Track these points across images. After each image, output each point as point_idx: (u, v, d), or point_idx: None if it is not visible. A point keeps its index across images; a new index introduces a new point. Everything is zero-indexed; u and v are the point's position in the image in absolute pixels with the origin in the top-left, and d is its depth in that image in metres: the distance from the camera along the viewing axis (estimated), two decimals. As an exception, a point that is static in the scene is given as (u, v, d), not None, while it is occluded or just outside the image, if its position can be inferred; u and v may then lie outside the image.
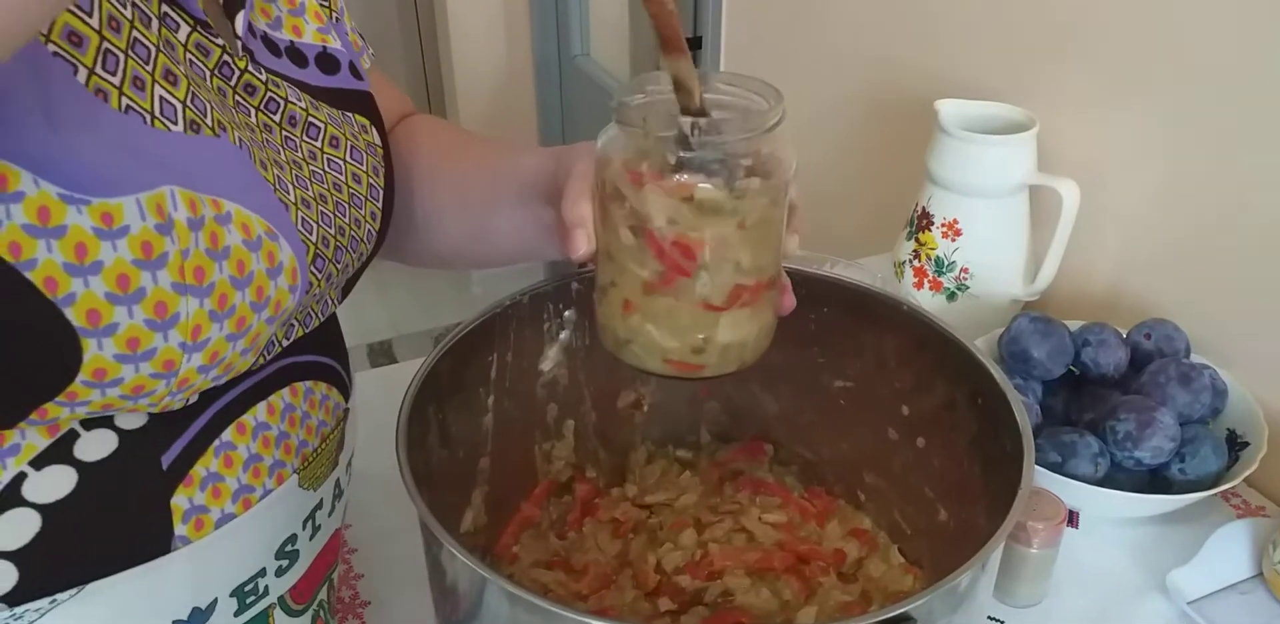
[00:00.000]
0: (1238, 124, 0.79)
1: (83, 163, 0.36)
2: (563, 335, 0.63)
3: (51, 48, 0.36)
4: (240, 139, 0.44)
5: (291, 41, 0.52)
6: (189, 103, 0.42)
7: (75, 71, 0.37)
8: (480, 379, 0.59)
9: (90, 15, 0.38)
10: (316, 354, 0.52)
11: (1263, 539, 0.71)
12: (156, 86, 0.40)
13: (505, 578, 0.41)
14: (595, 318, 0.51)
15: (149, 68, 0.40)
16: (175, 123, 0.41)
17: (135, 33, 0.40)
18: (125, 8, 0.40)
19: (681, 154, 0.44)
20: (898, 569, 0.62)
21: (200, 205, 0.40)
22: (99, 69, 0.38)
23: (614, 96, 0.46)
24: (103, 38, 0.38)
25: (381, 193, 0.54)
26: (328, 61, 0.53)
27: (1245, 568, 0.71)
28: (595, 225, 0.48)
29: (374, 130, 0.55)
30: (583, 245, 0.48)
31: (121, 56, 0.39)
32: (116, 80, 0.38)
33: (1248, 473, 0.72)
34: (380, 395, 0.59)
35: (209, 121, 0.42)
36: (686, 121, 0.44)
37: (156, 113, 0.40)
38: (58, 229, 0.36)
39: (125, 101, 0.39)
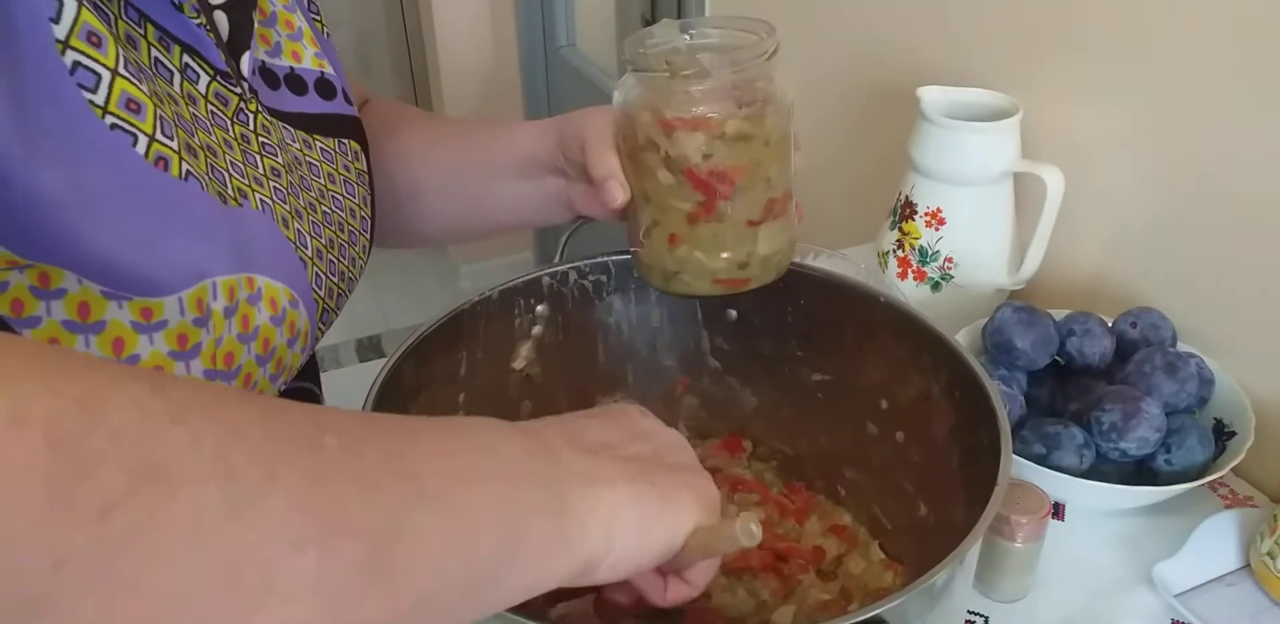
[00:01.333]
0: (1224, 110, 0.78)
1: (126, 260, 0.35)
2: (535, 330, 0.61)
3: (109, 120, 0.35)
4: (261, 201, 0.43)
5: (291, 68, 0.51)
6: (210, 174, 0.40)
7: (135, 142, 0.36)
8: (449, 377, 0.57)
9: (139, 82, 0.37)
10: (299, 380, 0.52)
11: (1250, 530, 0.70)
12: (183, 163, 0.39)
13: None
14: (639, 260, 0.55)
15: (173, 144, 0.39)
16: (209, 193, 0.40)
17: (160, 110, 0.39)
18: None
19: (703, 88, 0.48)
20: (878, 566, 0.61)
21: (237, 289, 0.39)
22: (159, 135, 0.37)
23: (628, 48, 0.50)
24: (156, 105, 0.37)
25: (370, 223, 0.53)
26: (326, 87, 0.53)
27: (1232, 560, 0.70)
28: (626, 174, 0.52)
29: (364, 157, 0.54)
30: (619, 194, 0.52)
31: (173, 123, 0.38)
32: (175, 145, 0.38)
33: (1235, 463, 0.71)
34: (363, 392, 0.57)
35: (230, 191, 0.41)
36: (705, 56, 0.48)
37: (205, 180, 0.39)
38: (97, 324, 0.35)
39: (185, 167, 0.38)
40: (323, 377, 0.98)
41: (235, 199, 0.41)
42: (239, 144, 0.44)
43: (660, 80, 0.49)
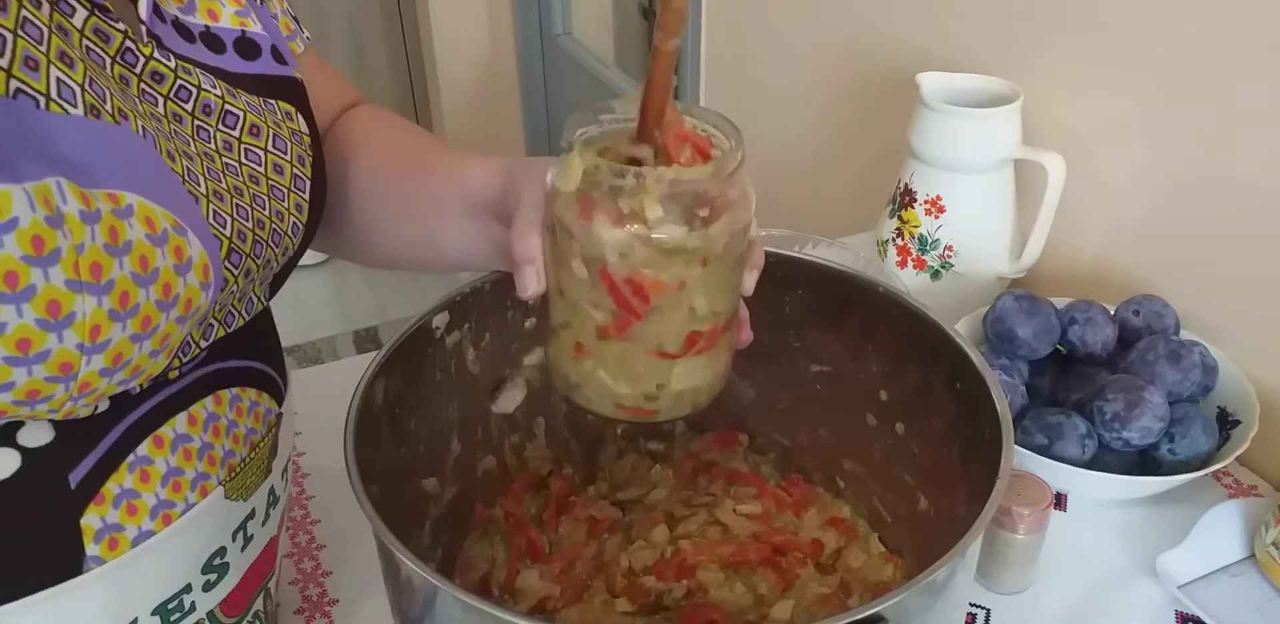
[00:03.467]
0: (1228, 96, 0.77)
1: None
2: (528, 324, 0.60)
3: None
4: (144, 128, 0.41)
5: (207, 26, 0.49)
6: (87, 86, 0.39)
7: None
8: (441, 372, 0.56)
9: None
10: (244, 359, 0.50)
11: (1255, 520, 0.69)
12: (52, 68, 0.38)
13: (455, 585, 0.39)
14: (546, 356, 0.49)
15: (42, 48, 0.37)
16: (75, 105, 0.38)
17: (24, 12, 0.37)
18: None
19: (641, 183, 0.41)
20: (878, 559, 0.60)
21: (93, 199, 0.37)
22: None
23: (564, 132, 0.44)
24: None
25: (309, 183, 0.51)
26: (247, 46, 0.50)
27: (1237, 550, 0.69)
28: (545, 261, 0.46)
29: (300, 117, 0.52)
30: (532, 284, 0.46)
31: (10, 36, 0.36)
32: (4, 61, 0.36)
33: (1239, 452, 0.70)
34: (351, 383, 0.56)
35: (109, 108, 0.39)
36: (649, 171, 0.41)
37: (53, 95, 0.37)
38: None
39: (15, 84, 0.36)
40: (317, 368, 0.96)
41: (113, 116, 0.40)
42: (115, 83, 0.42)
43: (593, 166, 0.42)
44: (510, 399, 0.61)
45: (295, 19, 0.59)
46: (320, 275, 2.46)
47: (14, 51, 0.36)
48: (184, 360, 0.45)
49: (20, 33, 0.37)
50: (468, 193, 0.54)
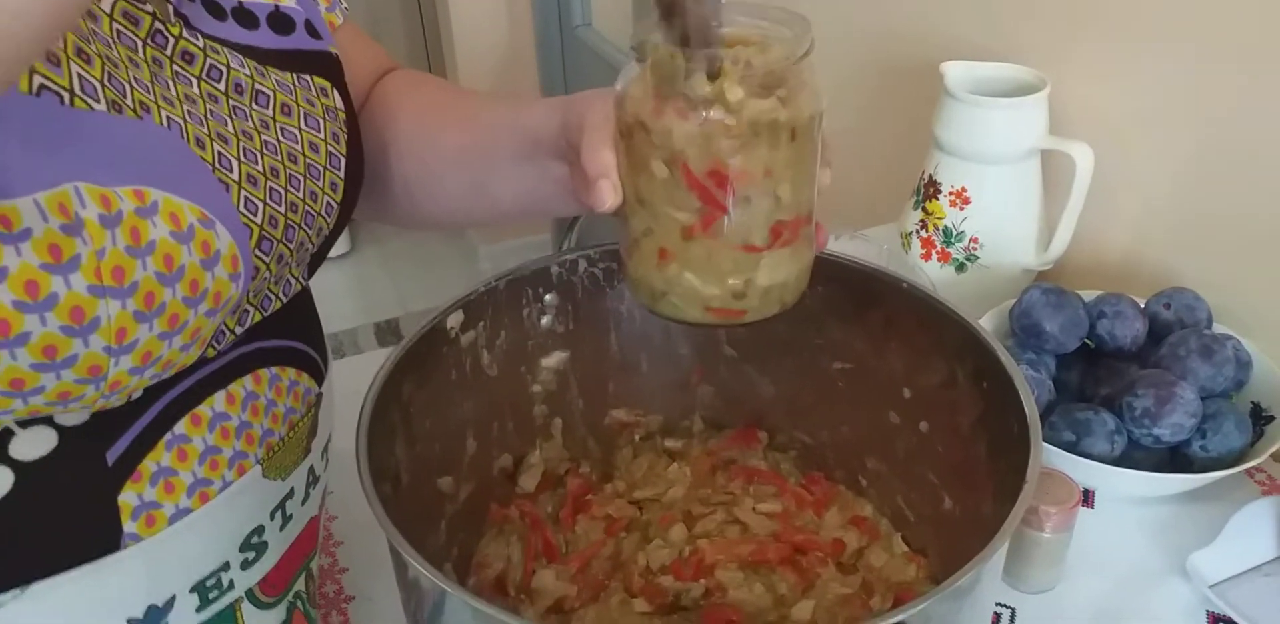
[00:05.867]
0: (1260, 85, 0.75)
1: None
2: (544, 320, 0.60)
3: None
4: (169, 118, 0.41)
5: (240, 1, 0.48)
6: (106, 82, 0.38)
7: None
8: (456, 371, 0.56)
9: None
10: (283, 338, 0.49)
11: (1289, 518, 0.68)
12: (72, 64, 0.37)
13: (467, 589, 0.38)
14: (626, 272, 0.49)
15: (59, 43, 0.37)
16: (98, 101, 0.37)
17: None
18: None
19: (717, 65, 0.41)
20: (900, 558, 0.59)
21: (115, 200, 0.36)
22: None
23: (635, 34, 0.44)
24: None
25: (344, 161, 0.50)
26: (280, 21, 0.50)
27: (1271, 549, 0.67)
28: (621, 173, 0.46)
29: (335, 93, 0.51)
30: (609, 196, 0.45)
31: None
32: None
33: (1274, 449, 0.68)
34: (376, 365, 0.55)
35: (129, 103, 0.39)
36: (726, 53, 0.41)
37: (76, 90, 0.37)
38: None
39: (39, 80, 0.35)
40: (338, 362, 0.97)
41: (134, 111, 0.39)
42: (148, 66, 0.42)
43: (666, 56, 0.42)
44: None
45: None
46: (341, 267, 2.47)
47: None
48: (219, 348, 0.45)
49: None
50: (524, 135, 0.53)
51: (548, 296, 0.59)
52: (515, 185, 0.55)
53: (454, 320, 0.54)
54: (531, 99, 0.56)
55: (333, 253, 0.55)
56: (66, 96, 0.36)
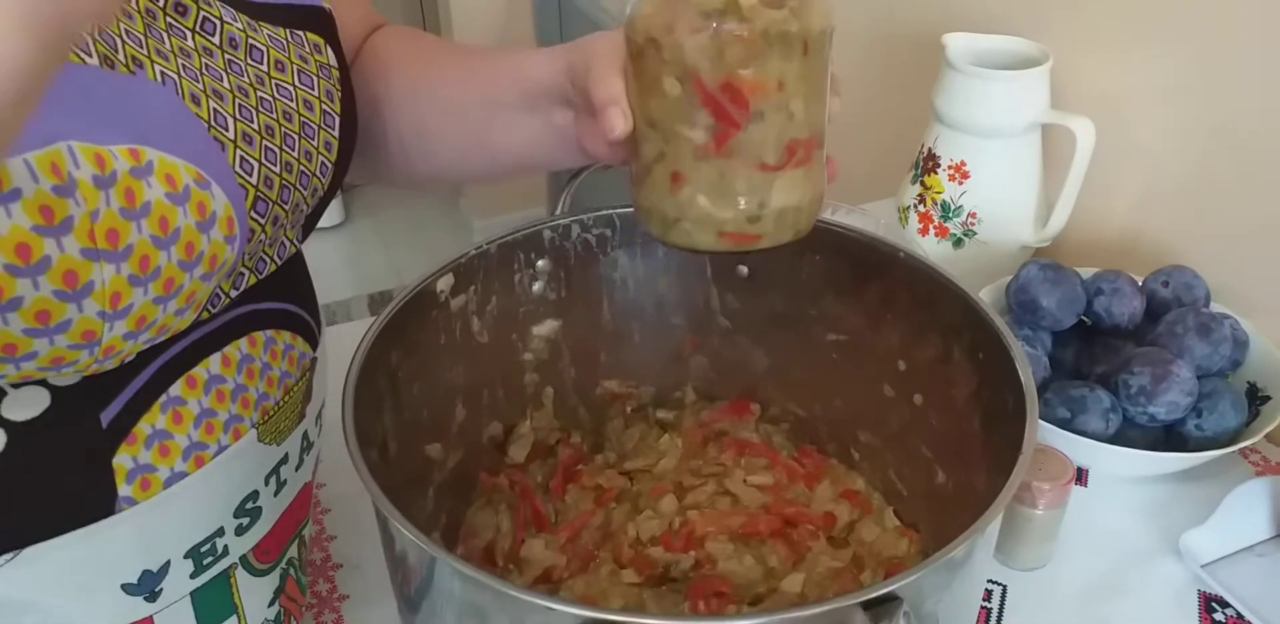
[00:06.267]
0: (1263, 60, 0.74)
1: None
2: (535, 286, 0.59)
3: None
4: (163, 73, 0.39)
5: None
6: (98, 36, 0.37)
7: None
8: (446, 335, 0.55)
9: None
10: (278, 301, 0.48)
11: (1282, 498, 0.67)
12: None
13: (455, 556, 0.38)
14: (637, 203, 0.48)
15: None
16: (90, 56, 0.36)
17: None
18: None
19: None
20: (892, 533, 0.58)
21: (111, 159, 0.35)
22: None
23: None
24: None
25: (338, 120, 0.49)
26: None
27: (1264, 529, 0.67)
28: (631, 99, 0.45)
29: (328, 49, 0.50)
30: (619, 122, 0.45)
31: None
32: None
33: (1269, 429, 0.68)
34: (363, 328, 0.54)
35: (121, 58, 0.38)
36: None
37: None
38: None
39: None
40: (332, 329, 0.96)
41: (126, 66, 0.38)
42: (141, 17, 0.41)
43: None
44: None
45: None
46: (335, 238, 2.45)
47: None
48: (213, 311, 0.44)
49: None
50: (526, 84, 0.52)
51: (540, 262, 0.58)
52: (516, 137, 0.54)
53: (444, 284, 0.53)
54: (528, 49, 0.55)
55: (326, 224, 0.54)
56: None
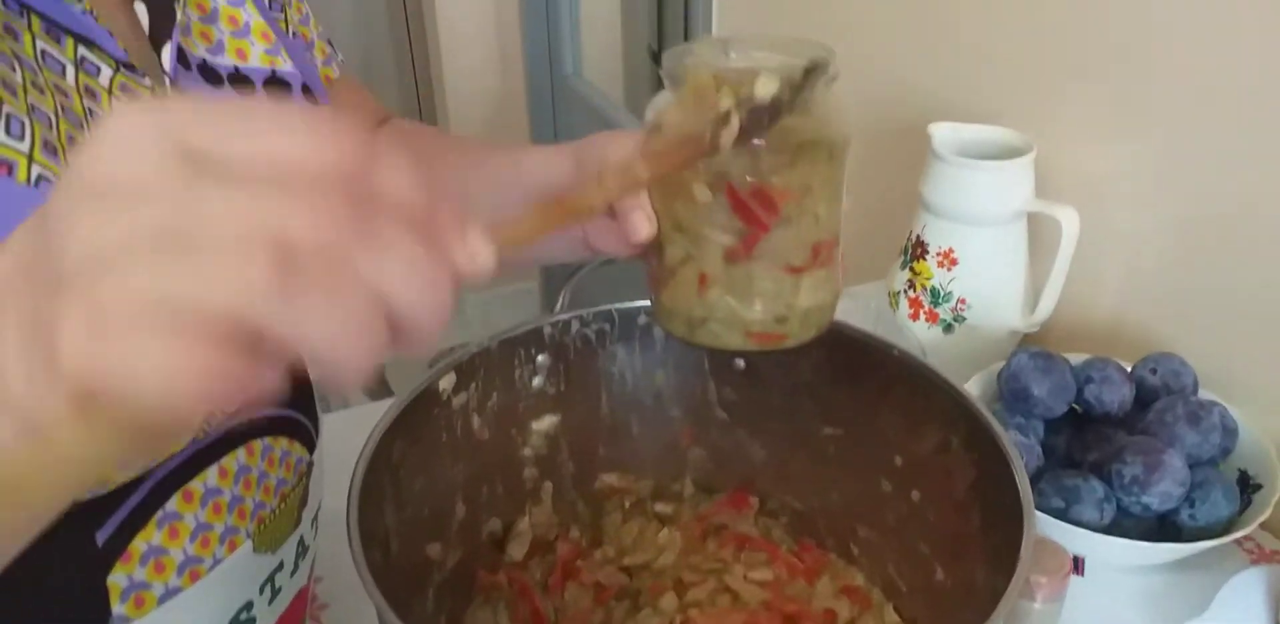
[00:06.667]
0: (1247, 150, 0.76)
1: None
2: (535, 381, 0.59)
3: None
4: None
5: (236, 67, 0.48)
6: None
7: None
8: (447, 433, 0.55)
9: None
10: (276, 407, 0.49)
11: (1278, 587, 0.68)
12: (68, 154, 0.37)
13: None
14: (659, 303, 0.49)
15: (53, 132, 0.37)
16: None
17: (31, 98, 0.36)
18: (15, 69, 0.36)
19: (757, 89, 0.41)
20: (892, 630, 0.58)
21: None
22: (2, 136, 0.34)
23: (666, 62, 0.44)
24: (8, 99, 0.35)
25: None
26: (277, 86, 0.50)
27: (1261, 618, 0.67)
28: (653, 202, 0.46)
29: None
30: (643, 226, 0.46)
31: (26, 120, 0.35)
32: (24, 146, 0.35)
33: (1262, 519, 0.68)
34: (361, 434, 0.54)
35: None
36: (763, 72, 0.41)
37: None
38: None
39: (37, 170, 0.35)
40: (327, 418, 0.96)
41: None
42: None
43: (703, 85, 0.42)
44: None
45: (329, 42, 0.59)
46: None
47: (33, 134, 0.35)
48: (209, 428, 0.44)
49: (33, 116, 0.36)
50: (532, 180, 0.53)
51: (540, 357, 0.59)
52: None
53: (446, 383, 0.54)
54: (530, 146, 0.56)
55: None
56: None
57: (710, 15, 1.41)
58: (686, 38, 1.58)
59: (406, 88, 2.57)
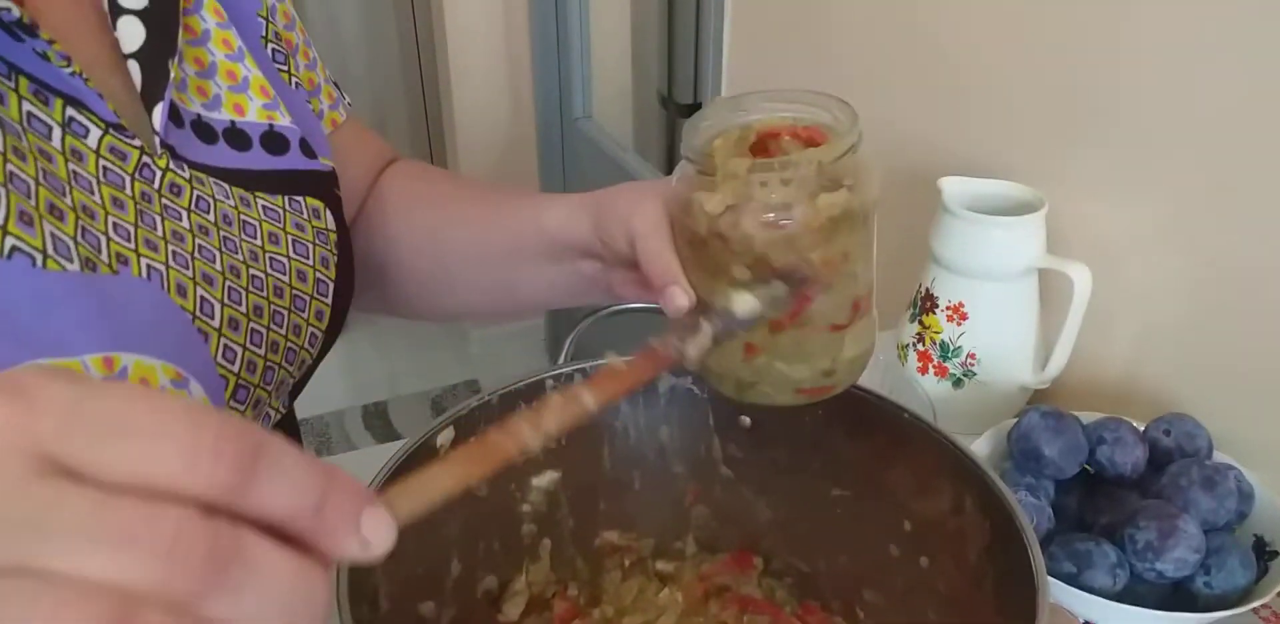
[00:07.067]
0: (1260, 205, 0.75)
1: None
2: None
3: None
4: (149, 267, 0.40)
5: (233, 121, 0.48)
6: (79, 238, 0.37)
7: None
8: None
9: None
10: None
11: (1297, 660, 0.66)
12: (45, 222, 0.36)
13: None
14: (706, 366, 0.48)
15: (32, 202, 0.36)
16: (70, 261, 0.36)
17: (10, 166, 0.36)
18: None
19: (786, 176, 0.42)
20: (898, 699, 0.56)
21: (82, 371, 0.35)
22: None
23: (685, 138, 0.44)
24: None
25: (331, 286, 0.50)
26: (274, 141, 0.50)
27: (1279, 693, 0.65)
28: (690, 276, 0.46)
29: (327, 214, 0.51)
30: (684, 301, 0.46)
31: (2, 190, 0.35)
32: None
33: (1279, 588, 0.66)
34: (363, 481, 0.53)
35: (105, 257, 0.38)
36: (798, 157, 0.41)
37: (49, 251, 0.36)
38: None
39: (10, 242, 0.34)
40: (327, 459, 0.95)
41: (110, 265, 0.38)
42: (134, 203, 0.41)
43: (740, 171, 0.42)
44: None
45: (337, 85, 0.59)
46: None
47: (8, 205, 0.35)
48: None
49: (10, 186, 0.35)
50: (548, 237, 0.53)
51: (542, 412, 0.58)
52: (541, 282, 0.55)
53: (444, 438, 0.53)
54: (546, 197, 0.55)
55: None
56: (39, 258, 0.35)
57: (721, 61, 1.42)
58: (696, 82, 1.59)
59: (418, 128, 2.59)
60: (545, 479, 0.59)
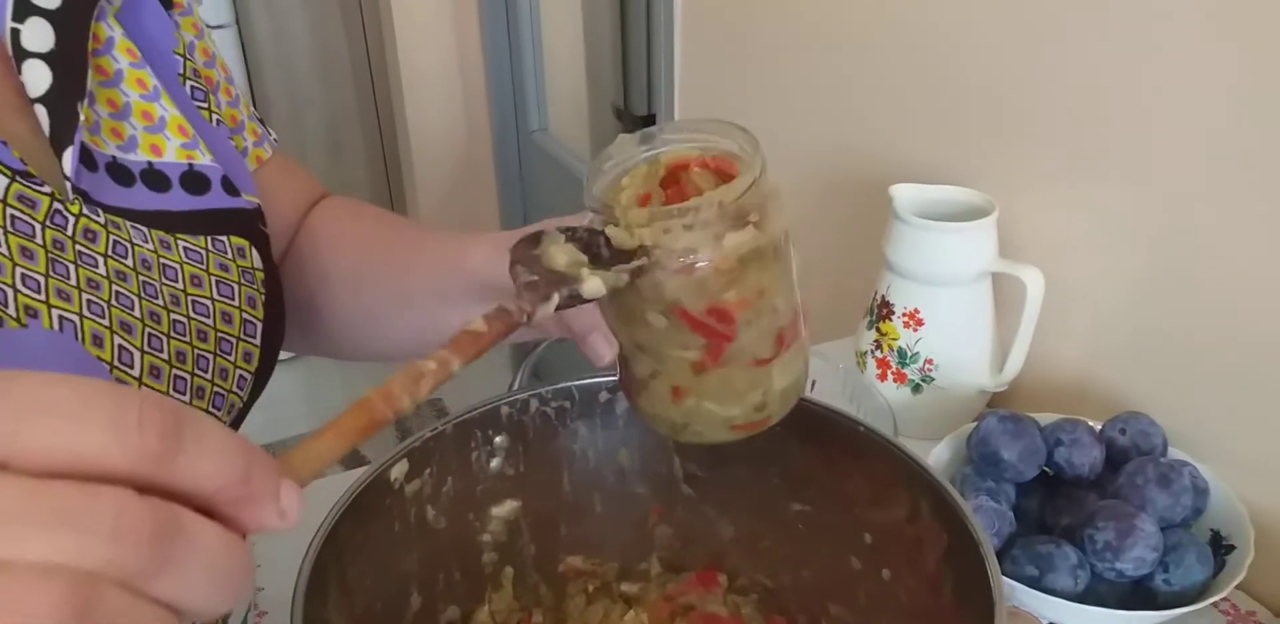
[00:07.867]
0: (1208, 204, 0.77)
1: None
2: (494, 463, 0.58)
3: None
4: (61, 318, 0.39)
5: (150, 162, 0.47)
6: None
7: None
8: (400, 522, 0.53)
9: None
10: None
11: (1258, 653, 0.66)
12: None
13: None
14: (639, 407, 0.48)
15: None
16: None
17: None
18: None
19: (687, 222, 0.41)
20: (867, 713, 0.56)
21: None
22: None
23: (587, 185, 0.43)
24: None
25: (259, 326, 0.49)
26: (195, 180, 0.49)
27: (1242, 686, 0.66)
28: (610, 325, 0.46)
29: (253, 252, 0.50)
30: (606, 351, 0.46)
31: None
32: None
33: (1236, 582, 0.67)
34: (321, 510, 0.51)
35: (12, 311, 0.37)
36: (698, 200, 0.41)
37: None
38: None
39: None
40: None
41: (18, 319, 0.37)
42: (45, 252, 0.40)
43: (648, 214, 0.41)
44: None
45: (261, 121, 0.58)
46: (291, 371, 2.43)
47: None
48: None
49: None
50: (474, 278, 0.53)
51: (497, 439, 0.57)
52: None
53: (398, 471, 0.52)
54: (472, 238, 0.55)
55: (284, 356, 0.53)
56: None
57: (673, 72, 1.42)
58: (650, 93, 1.59)
59: (373, 146, 2.57)
60: (505, 508, 0.58)
